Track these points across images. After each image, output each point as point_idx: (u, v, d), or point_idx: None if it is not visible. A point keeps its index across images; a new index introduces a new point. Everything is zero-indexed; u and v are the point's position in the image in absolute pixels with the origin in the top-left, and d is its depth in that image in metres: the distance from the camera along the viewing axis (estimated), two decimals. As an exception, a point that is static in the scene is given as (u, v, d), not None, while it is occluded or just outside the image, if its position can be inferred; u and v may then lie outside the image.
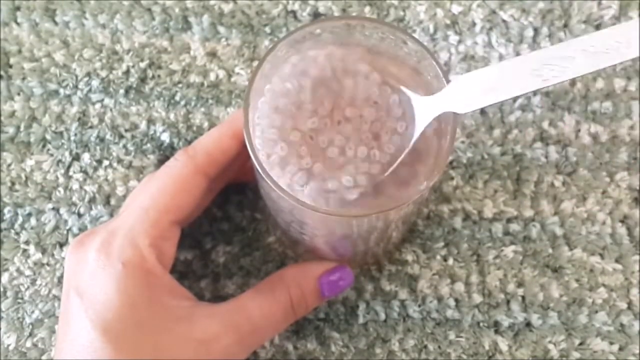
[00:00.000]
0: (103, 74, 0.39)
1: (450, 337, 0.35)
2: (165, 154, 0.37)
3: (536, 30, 0.39)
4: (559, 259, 0.36)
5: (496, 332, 0.35)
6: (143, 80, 0.38)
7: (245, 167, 0.32)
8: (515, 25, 0.39)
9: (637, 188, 0.37)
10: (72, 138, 0.38)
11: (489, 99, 0.25)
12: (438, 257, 0.36)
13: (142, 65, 0.39)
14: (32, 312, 0.36)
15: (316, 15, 0.39)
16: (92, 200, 0.37)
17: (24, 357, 0.35)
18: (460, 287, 0.36)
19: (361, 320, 0.35)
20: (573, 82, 0.38)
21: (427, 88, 0.27)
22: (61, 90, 0.38)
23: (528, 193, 0.37)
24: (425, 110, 0.26)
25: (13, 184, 0.37)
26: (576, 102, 0.38)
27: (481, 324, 0.35)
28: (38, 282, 0.36)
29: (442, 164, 0.26)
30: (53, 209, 0.37)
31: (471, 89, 0.25)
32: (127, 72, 0.39)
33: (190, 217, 0.32)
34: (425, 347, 0.35)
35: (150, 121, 0.38)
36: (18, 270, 0.36)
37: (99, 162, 0.37)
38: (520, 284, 0.36)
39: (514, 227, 0.36)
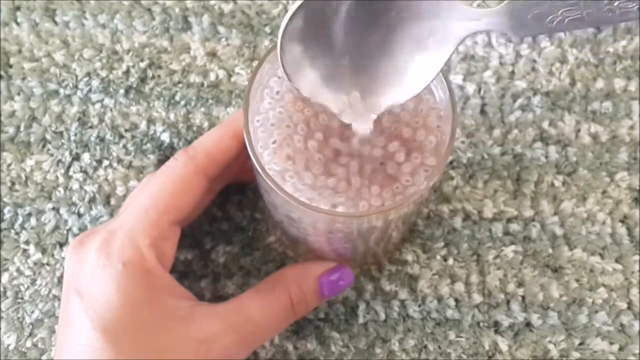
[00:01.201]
0: (103, 74, 0.39)
1: (450, 337, 0.35)
2: (165, 154, 0.37)
3: (536, 30, 0.39)
4: (559, 259, 0.36)
5: (496, 332, 0.35)
6: (143, 80, 0.38)
7: (245, 167, 0.32)
8: (515, 25, 0.39)
9: (637, 188, 0.37)
10: (72, 138, 0.38)
11: (549, 27, 0.22)
12: (438, 257, 0.36)
13: (142, 65, 0.39)
14: (32, 312, 0.36)
15: (316, 15, 0.39)
16: (92, 200, 0.37)
17: (24, 357, 0.35)
18: (460, 287, 0.36)
19: (361, 320, 0.35)
20: (573, 81, 0.38)
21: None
22: (61, 90, 0.38)
23: (528, 193, 0.37)
24: (465, 24, 0.23)
25: (13, 184, 0.37)
26: (576, 102, 0.38)
27: (481, 324, 0.35)
28: (38, 282, 0.36)
29: (442, 164, 0.26)
30: (53, 209, 0.37)
31: (528, 13, 0.22)
32: (127, 72, 0.39)
33: (190, 217, 0.32)
34: (425, 347, 0.35)
35: (150, 121, 0.38)
36: (18, 270, 0.36)
37: (99, 162, 0.37)
38: (520, 284, 0.36)
39: (514, 227, 0.36)
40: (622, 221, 0.36)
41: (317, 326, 0.35)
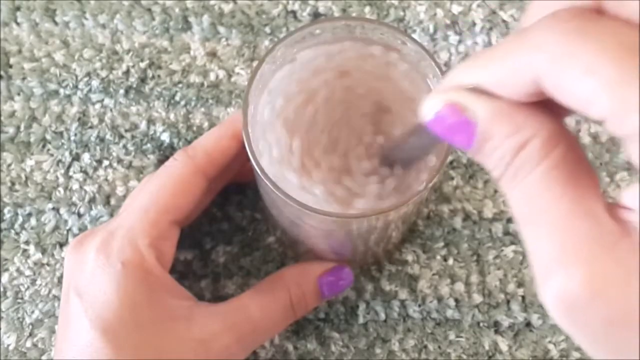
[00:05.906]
0: (103, 74, 0.39)
1: (450, 337, 0.35)
2: (165, 154, 0.37)
3: (536, 30, 0.39)
4: (559, 259, 0.36)
5: (496, 332, 0.35)
6: (143, 80, 0.38)
7: (245, 167, 0.32)
8: (515, 25, 0.39)
9: (637, 188, 0.37)
10: (72, 138, 0.38)
11: None
12: (438, 257, 0.36)
13: (142, 65, 0.39)
14: (32, 312, 0.36)
15: (316, 15, 0.39)
16: (92, 200, 0.37)
17: (24, 357, 0.35)
18: (460, 287, 0.36)
19: (361, 320, 0.35)
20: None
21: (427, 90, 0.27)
22: (61, 90, 0.38)
23: (528, 193, 0.37)
24: None
25: (13, 184, 0.37)
26: (576, 102, 0.38)
27: (481, 324, 0.35)
28: (38, 282, 0.36)
29: (442, 164, 0.26)
30: (53, 209, 0.37)
31: None
32: (127, 72, 0.39)
33: (189, 217, 0.32)
34: (425, 347, 0.35)
35: (150, 121, 0.38)
36: (18, 270, 0.36)
37: (99, 162, 0.37)
38: (520, 284, 0.36)
39: (514, 227, 0.36)
40: (622, 221, 0.36)
41: (317, 326, 0.35)
